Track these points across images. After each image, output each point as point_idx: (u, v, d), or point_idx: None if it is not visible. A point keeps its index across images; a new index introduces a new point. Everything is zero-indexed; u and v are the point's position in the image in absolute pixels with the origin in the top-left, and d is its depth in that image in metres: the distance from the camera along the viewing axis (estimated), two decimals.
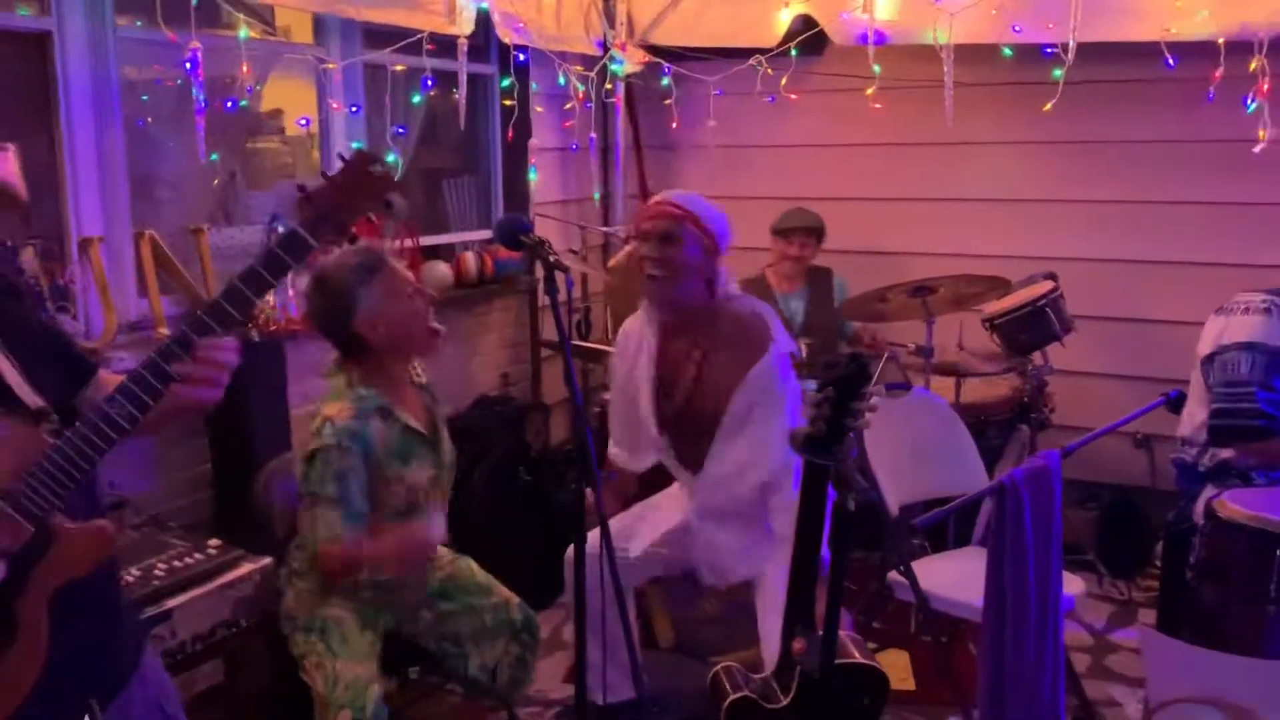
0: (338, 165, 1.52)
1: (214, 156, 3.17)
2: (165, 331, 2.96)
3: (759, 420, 2.54)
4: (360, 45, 3.72)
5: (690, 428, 2.67)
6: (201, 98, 2.90)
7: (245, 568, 2.74)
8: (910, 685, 3.34)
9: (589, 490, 2.09)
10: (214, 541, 2.76)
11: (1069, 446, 2.36)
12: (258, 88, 3.61)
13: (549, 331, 4.62)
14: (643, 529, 2.85)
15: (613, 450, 3.00)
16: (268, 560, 2.82)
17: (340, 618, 2.50)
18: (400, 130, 3.68)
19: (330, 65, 3.49)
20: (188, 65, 2.87)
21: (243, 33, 3.05)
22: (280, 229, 3.36)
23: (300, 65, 3.63)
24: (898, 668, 3.41)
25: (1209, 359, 3.07)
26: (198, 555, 2.66)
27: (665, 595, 3.40)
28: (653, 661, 3.17)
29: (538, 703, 3.29)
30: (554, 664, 3.51)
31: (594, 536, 2.40)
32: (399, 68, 3.61)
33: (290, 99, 3.85)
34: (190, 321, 1.43)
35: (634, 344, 2.82)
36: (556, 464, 3.99)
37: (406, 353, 2.55)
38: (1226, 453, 3.08)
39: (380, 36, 3.66)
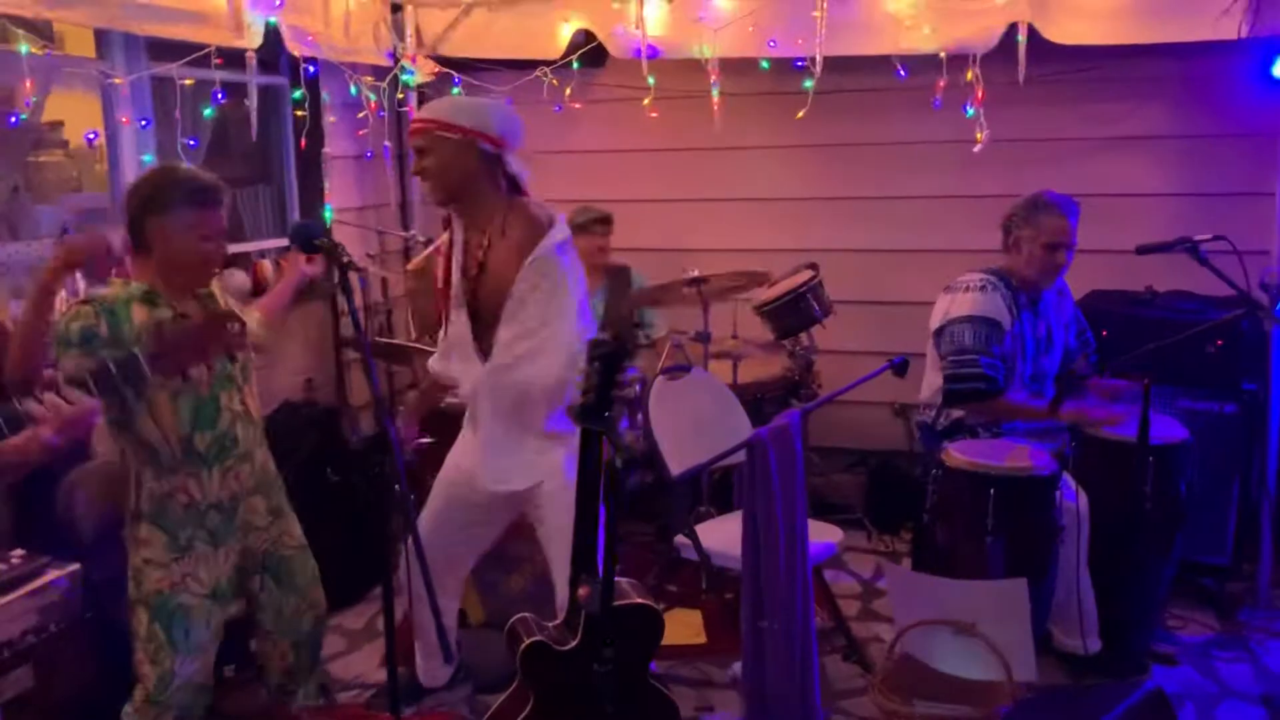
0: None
1: None
2: None
3: (536, 304, 2.67)
4: (145, 58, 3.76)
5: (484, 312, 2.78)
6: None
7: (53, 574, 2.80)
8: (702, 639, 3.68)
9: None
10: (18, 551, 2.81)
11: (807, 406, 2.73)
12: (36, 100, 3.59)
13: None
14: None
15: (432, 363, 3.05)
16: (75, 566, 2.88)
17: (189, 606, 2.56)
18: (192, 143, 3.75)
19: (117, 80, 3.53)
20: None
21: (23, 48, 3.07)
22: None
23: (81, 78, 3.63)
24: (690, 625, 3.75)
25: (939, 332, 3.53)
26: (0, 565, 2.71)
27: (473, 575, 3.62)
28: (464, 638, 3.40)
29: (355, 686, 3.44)
30: (372, 650, 3.67)
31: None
32: (188, 81, 3.68)
33: (70, 111, 3.84)
34: None
35: (449, 237, 2.93)
36: (363, 455, 4.13)
37: (175, 278, 2.54)
38: (958, 413, 3.55)
39: (166, 49, 3.71)
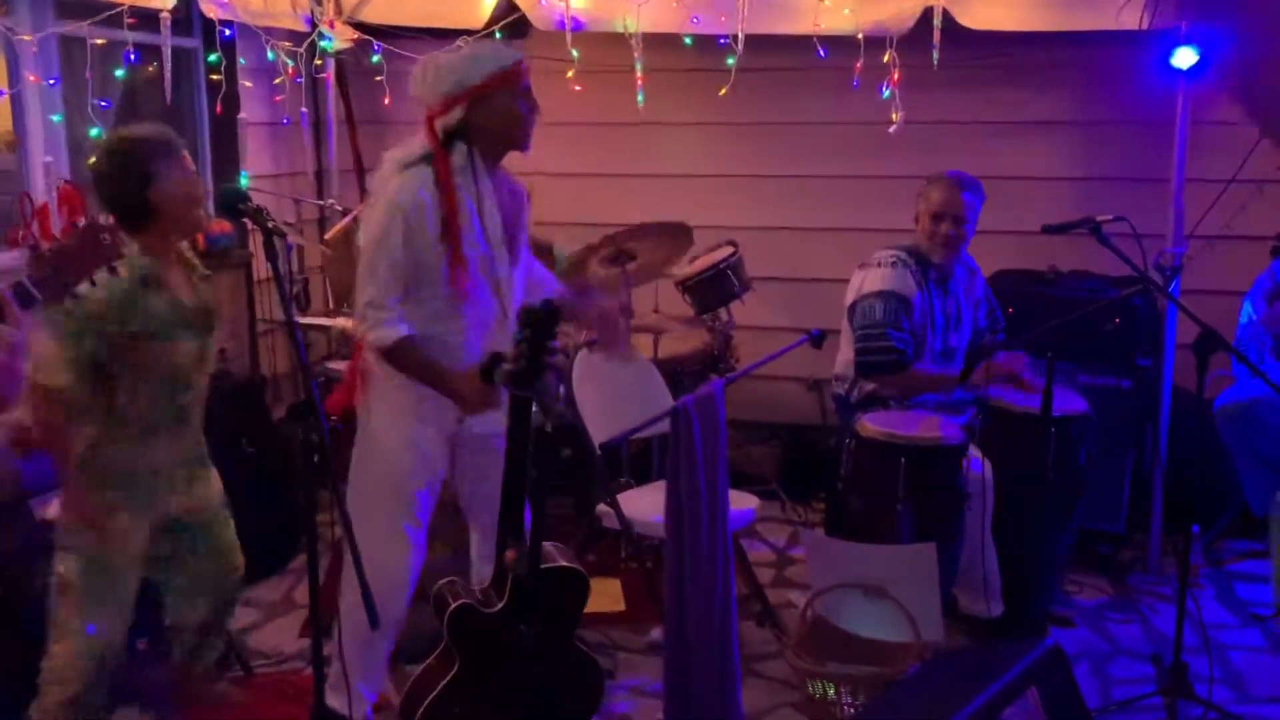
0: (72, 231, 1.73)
1: None
2: None
3: None
4: (52, 16, 3.64)
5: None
6: None
7: None
8: (621, 607, 3.74)
9: None
10: None
11: (730, 376, 2.80)
12: None
13: (264, 307, 4.68)
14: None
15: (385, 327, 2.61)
16: None
17: (104, 553, 2.55)
18: (105, 104, 3.64)
19: (26, 37, 3.41)
20: None
21: None
22: None
23: None
24: (609, 594, 3.80)
25: (852, 307, 3.63)
26: None
27: None
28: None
29: (272, 657, 3.42)
30: (290, 621, 3.66)
31: None
32: (100, 41, 3.57)
33: None
34: None
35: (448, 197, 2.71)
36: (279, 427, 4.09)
37: (183, 229, 2.63)
38: (871, 385, 3.66)
39: (75, 8, 3.59)
